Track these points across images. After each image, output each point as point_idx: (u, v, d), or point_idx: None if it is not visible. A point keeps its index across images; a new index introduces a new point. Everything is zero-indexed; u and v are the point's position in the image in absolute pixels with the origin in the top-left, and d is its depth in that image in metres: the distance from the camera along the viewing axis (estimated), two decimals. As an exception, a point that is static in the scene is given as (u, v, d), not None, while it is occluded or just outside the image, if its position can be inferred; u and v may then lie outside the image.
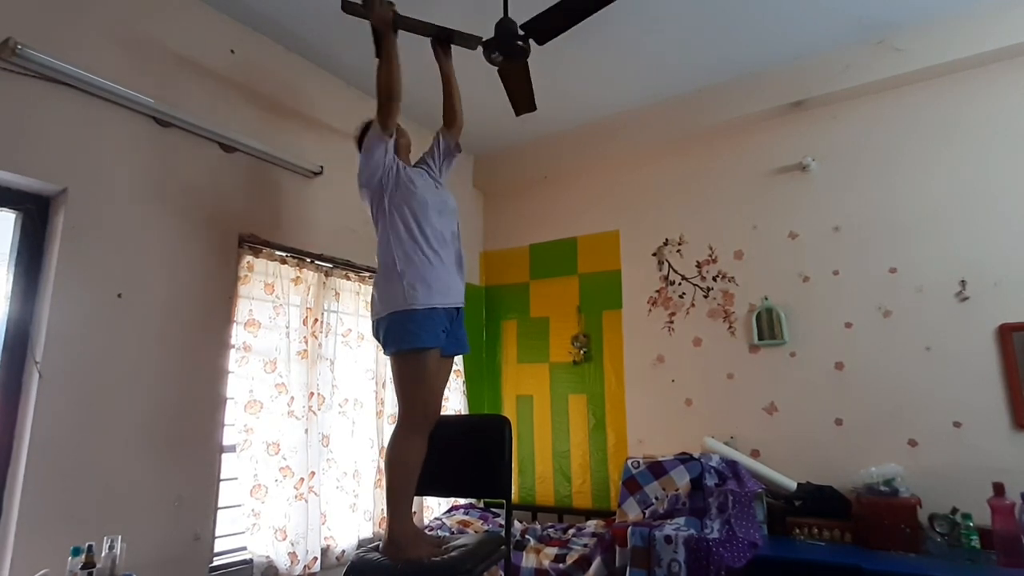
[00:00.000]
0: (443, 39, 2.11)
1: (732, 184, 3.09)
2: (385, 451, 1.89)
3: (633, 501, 2.71)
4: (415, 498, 1.96)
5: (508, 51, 2.04)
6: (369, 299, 2.90)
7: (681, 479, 2.62)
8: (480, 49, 2.05)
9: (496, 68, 2.16)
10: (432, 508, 3.15)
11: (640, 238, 3.33)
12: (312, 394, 2.46)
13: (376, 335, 1.96)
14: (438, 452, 2.03)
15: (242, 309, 2.30)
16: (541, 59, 2.20)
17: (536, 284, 3.67)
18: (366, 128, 2.10)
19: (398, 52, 1.96)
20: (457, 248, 2.05)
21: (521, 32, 2.02)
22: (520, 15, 2.05)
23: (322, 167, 2.73)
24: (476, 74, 2.41)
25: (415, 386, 1.86)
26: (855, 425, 2.60)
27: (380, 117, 1.95)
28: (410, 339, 1.84)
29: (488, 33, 2.04)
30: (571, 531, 2.90)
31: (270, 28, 2.56)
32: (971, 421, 2.38)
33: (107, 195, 1.97)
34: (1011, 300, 2.38)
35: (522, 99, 2.39)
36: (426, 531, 2.73)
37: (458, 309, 2.02)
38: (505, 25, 2.03)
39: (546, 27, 2.01)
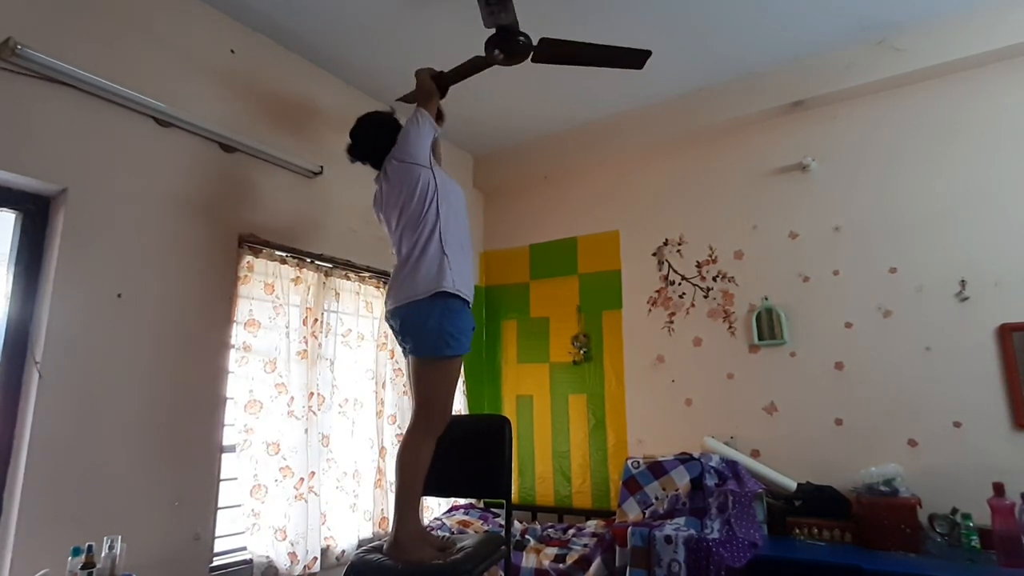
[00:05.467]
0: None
1: (732, 184, 3.09)
2: (398, 452, 1.84)
3: (633, 501, 2.71)
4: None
5: (510, 49, 2.05)
6: (368, 300, 2.93)
7: (681, 479, 2.62)
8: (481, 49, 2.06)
9: (507, 70, 2.18)
10: (432, 508, 3.15)
11: (640, 238, 3.33)
12: (312, 394, 2.46)
13: (396, 319, 1.86)
14: (438, 452, 2.03)
15: (242, 309, 2.30)
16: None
17: (536, 284, 3.67)
18: (367, 121, 2.14)
19: None
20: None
21: (523, 35, 2.03)
22: (521, 15, 2.05)
23: (322, 167, 2.72)
24: (476, 75, 2.41)
25: (443, 392, 1.83)
26: (855, 425, 2.60)
27: (431, 107, 2.03)
28: (453, 344, 1.78)
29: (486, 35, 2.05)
30: (571, 531, 2.90)
31: (270, 28, 2.56)
32: (971, 421, 2.38)
33: (107, 195, 1.97)
34: (1011, 300, 2.38)
35: (620, 56, 2.25)
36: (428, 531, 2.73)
37: None
38: (508, 25, 2.03)
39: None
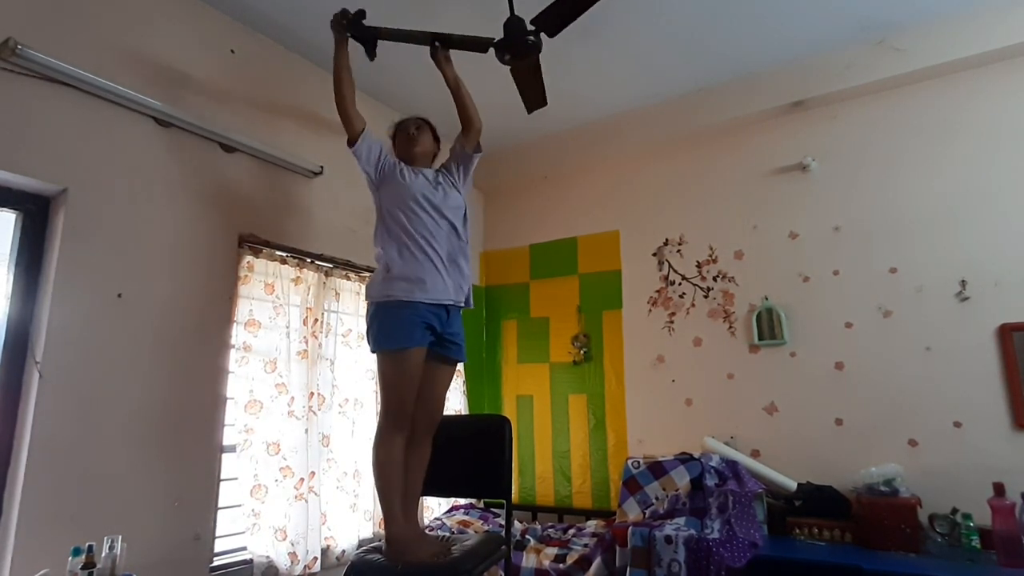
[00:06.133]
0: (442, 44, 2.09)
1: (732, 184, 3.09)
2: (371, 455, 1.88)
3: (633, 501, 2.71)
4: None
5: (518, 50, 2.02)
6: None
7: (681, 479, 2.62)
8: (491, 51, 2.04)
9: (507, 67, 2.15)
10: (432, 508, 3.15)
11: (640, 238, 3.33)
12: (312, 394, 2.46)
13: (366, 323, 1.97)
14: (438, 452, 2.03)
15: (242, 309, 2.30)
16: (542, 59, 2.20)
17: (536, 284, 3.67)
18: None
19: (346, 62, 2.03)
20: (452, 246, 1.99)
21: (531, 27, 2.01)
22: (526, 12, 2.04)
23: (322, 167, 2.72)
24: (474, 74, 2.41)
25: (392, 386, 1.84)
26: (855, 425, 2.60)
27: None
28: (389, 338, 1.83)
29: (496, 33, 2.03)
30: (571, 531, 2.90)
31: (270, 28, 2.56)
32: (971, 421, 2.38)
33: (107, 195, 1.97)
34: (1011, 300, 2.38)
35: (534, 96, 2.36)
36: (427, 532, 2.73)
37: (447, 308, 1.95)
38: (514, 24, 2.01)
39: (556, 18, 1.98)
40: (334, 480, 2.59)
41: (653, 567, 2.24)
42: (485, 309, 3.83)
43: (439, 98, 2.27)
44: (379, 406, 1.90)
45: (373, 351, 1.89)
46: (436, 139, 2.25)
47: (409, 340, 1.83)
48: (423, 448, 1.99)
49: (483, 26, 2.05)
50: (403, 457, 1.88)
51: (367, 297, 1.92)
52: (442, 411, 2.06)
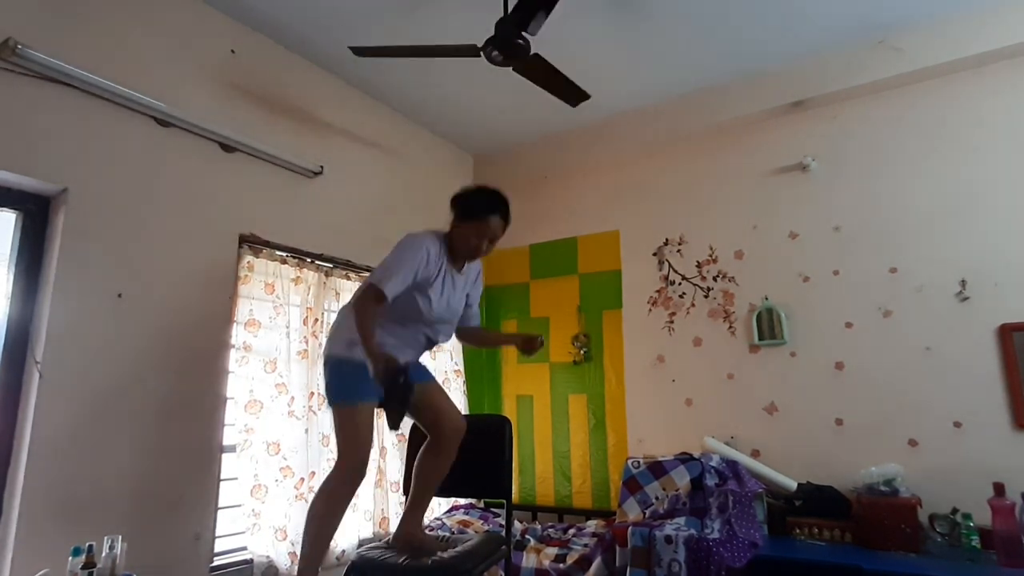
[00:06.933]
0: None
1: (732, 184, 3.09)
2: (314, 497, 1.76)
3: (633, 501, 2.71)
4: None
5: (508, 50, 2.04)
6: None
7: (681, 479, 2.62)
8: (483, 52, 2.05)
9: (508, 70, 2.17)
10: (432, 508, 3.15)
11: (640, 238, 3.33)
12: (312, 394, 2.46)
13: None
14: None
15: (242, 309, 2.30)
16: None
17: (536, 284, 3.67)
18: (462, 197, 2.13)
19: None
20: (426, 331, 1.93)
21: (522, 38, 2.02)
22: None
23: (322, 167, 2.73)
24: (476, 75, 2.41)
25: (345, 437, 1.76)
26: (855, 425, 2.60)
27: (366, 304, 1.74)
28: (346, 393, 1.77)
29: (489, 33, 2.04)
30: (571, 531, 2.90)
31: (270, 28, 2.56)
32: (971, 421, 2.38)
33: (107, 195, 1.97)
34: (1011, 300, 2.38)
35: (566, 91, 2.35)
36: (427, 532, 2.72)
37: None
38: (505, 24, 2.03)
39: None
40: (334, 480, 2.59)
41: (653, 567, 2.24)
42: (485, 309, 3.83)
43: (436, 93, 2.29)
44: (337, 456, 1.77)
45: (330, 404, 1.81)
46: None
47: (368, 393, 1.74)
48: (448, 456, 1.95)
49: (475, 27, 2.05)
50: (423, 461, 1.92)
51: (330, 350, 1.83)
52: (460, 416, 2.01)
